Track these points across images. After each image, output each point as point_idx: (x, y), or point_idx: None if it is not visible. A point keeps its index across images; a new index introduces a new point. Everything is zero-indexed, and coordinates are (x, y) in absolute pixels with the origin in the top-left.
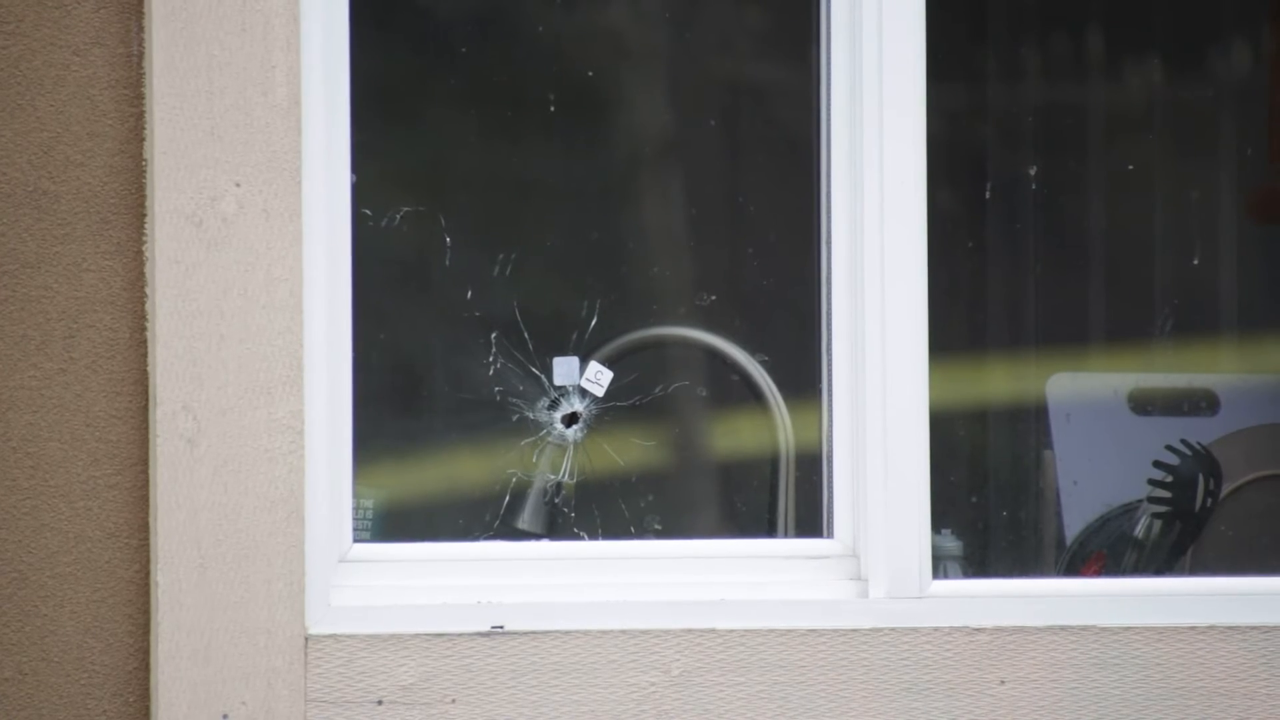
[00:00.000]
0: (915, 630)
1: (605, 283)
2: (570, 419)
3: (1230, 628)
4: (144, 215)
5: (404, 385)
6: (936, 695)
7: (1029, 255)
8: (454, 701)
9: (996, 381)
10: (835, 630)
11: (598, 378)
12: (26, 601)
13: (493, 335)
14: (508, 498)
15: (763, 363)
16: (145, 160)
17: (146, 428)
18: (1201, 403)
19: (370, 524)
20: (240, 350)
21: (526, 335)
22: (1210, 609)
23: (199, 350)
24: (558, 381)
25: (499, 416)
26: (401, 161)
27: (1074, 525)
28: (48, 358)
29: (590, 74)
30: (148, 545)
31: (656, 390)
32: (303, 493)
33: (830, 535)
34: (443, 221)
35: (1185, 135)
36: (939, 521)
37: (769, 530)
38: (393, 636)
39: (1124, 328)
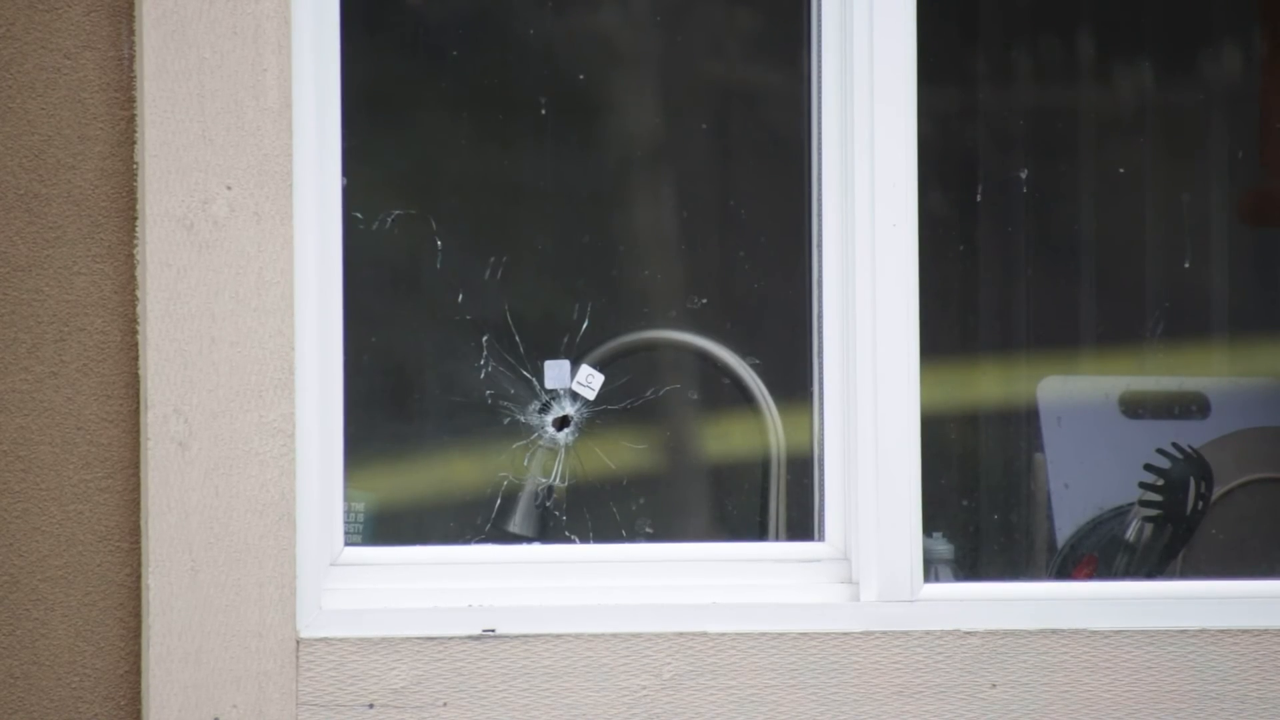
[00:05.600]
0: (906, 633)
1: (596, 286)
2: (561, 422)
3: (1221, 631)
4: (135, 218)
5: (395, 388)
6: (928, 698)
7: (1020, 258)
8: (445, 705)
9: (988, 384)
10: (826, 633)
11: (589, 381)
12: (17, 605)
13: (484, 338)
14: (499, 501)
15: (754, 366)
16: (136, 163)
17: (138, 431)
18: (1192, 406)
19: (361, 527)
20: (231, 353)
21: (518, 338)
22: (1201, 612)
23: (190, 353)
24: (549, 385)
25: (490, 420)
26: (393, 165)
27: (1065, 528)
28: (39, 361)
29: (581, 77)
30: (139, 549)
31: (648, 394)
32: (294, 496)
33: (821, 538)
34: (434, 224)
35: (1176, 138)
36: (930, 525)
37: (760, 533)
38: (384, 640)
39: (1115, 331)
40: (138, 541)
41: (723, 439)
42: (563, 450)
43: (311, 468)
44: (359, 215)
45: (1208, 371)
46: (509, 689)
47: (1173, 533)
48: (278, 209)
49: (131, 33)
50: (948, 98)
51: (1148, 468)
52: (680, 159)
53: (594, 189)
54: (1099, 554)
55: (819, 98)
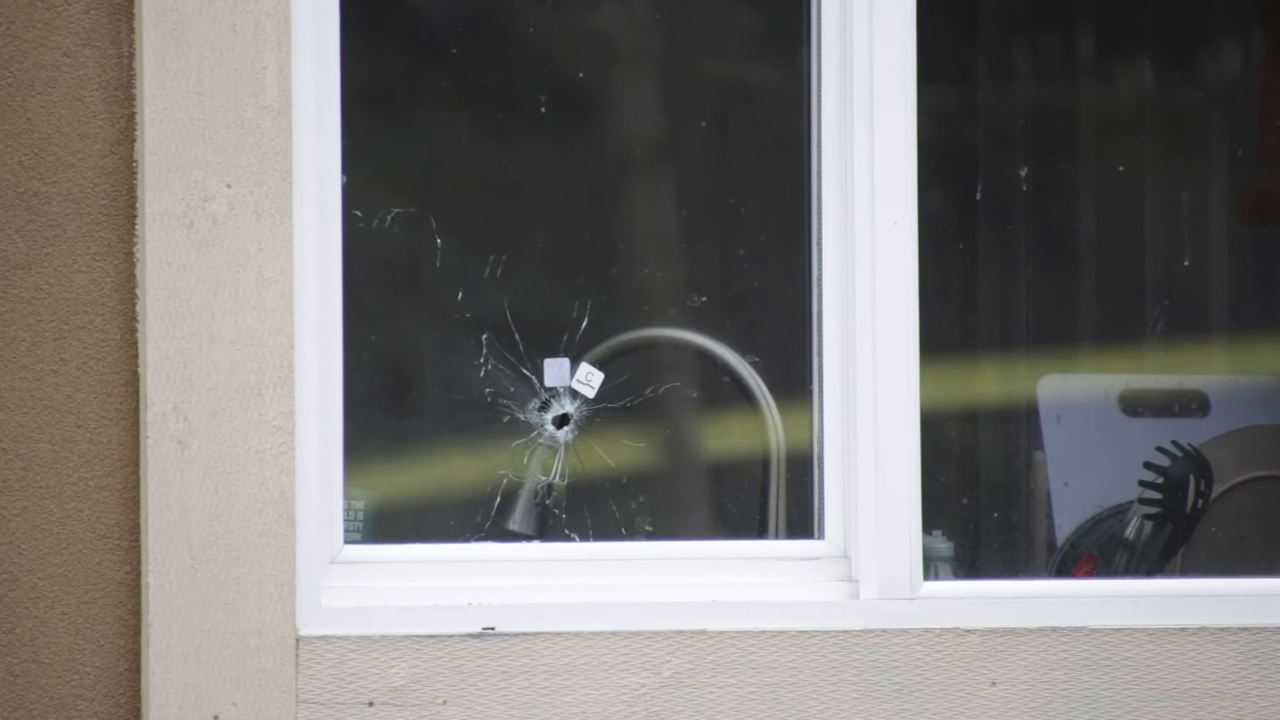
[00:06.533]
0: (906, 631)
1: (596, 284)
2: (561, 420)
3: (1221, 629)
4: (135, 216)
5: (395, 386)
6: (927, 697)
7: (1019, 256)
8: (445, 703)
9: (987, 383)
10: (826, 631)
11: (588, 379)
12: (17, 603)
13: (483, 337)
14: (499, 499)
15: (753, 364)
16: (136, 161)
17: (137, 429)
18: (1192, 404)
19: (361, 525)
20: (231, 351)
21: (517, 337)
22: (1201, 610)
23: (190, 351)
24: (548, 383)
25: (490, 418)
26: (392, 163)
27: (1065, 526)
28: (38, 359)
29: (581, 75)
30: (138, 546)
31: (648, 391)
32: (294, 494)
33: (821, 536)
34: (433, 223)
35: (1175, 137)
36: (930, 523)
37: (760, 531)
38: (384, 638)
39: (1114, 329)
40: (137, 539)
41: (722, 437)
42: (562, 448)
43: (311, 466)
44: (359, 213)
45: (1207, 369)
46: (509, 687)
47: (1172, 531)
48: (277, 207)
49: (131, 30)
50: (947, 96)
51: (1147, 466)
52: (680, 157)
53: (594, 187)
54: (1099, 552)
55: (819, 96)
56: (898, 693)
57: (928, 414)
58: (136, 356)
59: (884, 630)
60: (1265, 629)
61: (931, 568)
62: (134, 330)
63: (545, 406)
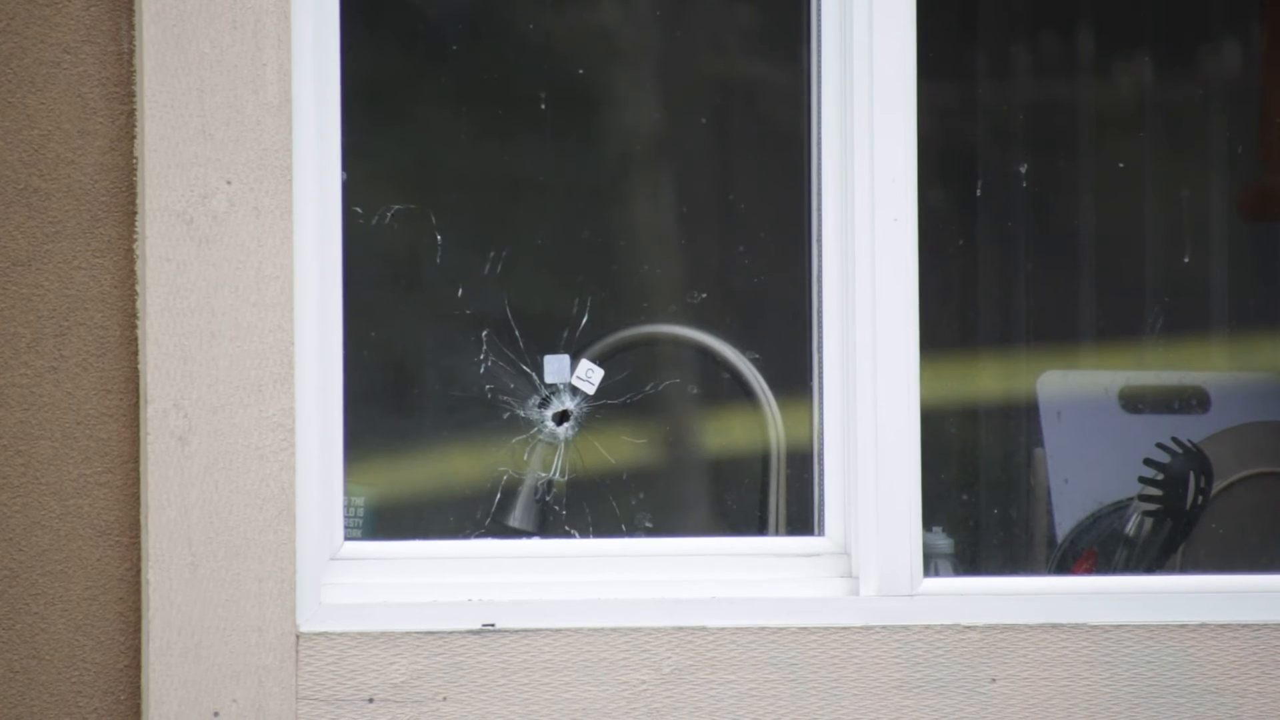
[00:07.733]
0: (906, 628)
1: (596, 281)
2: (561, 417)
3: (1221, 625)
4: (135, 213)
5: (395, 383)
6: (927, 693)
7: (1020, 253)
8: (445, 699)
9: (987, 379)
10: (826, 628)
11: (589, 375)
12: (17, 599)
13: (483, 333)
14: (499, 495)
15: (754, 360)
16: (136, 158)
17: (137, 425)
18: (1192, 400)
19: (361, 522)
20: (231, 348)
21: (517, 333)
22: (1201, 607)
23: (190, 348)
24: (549, 379)
25: (490, 414)
26: (392, 159)
27: (1065, 523)
28: (38, 355)
29: (581, 72)
30: (138, 543)
31: (648, 388)
32: (294, 490)
33: (821, 533)
34: (433, 219)
35: (1175, 133)
36: (930, 519)
37: (760, 528)
38: (384, 634)
39: (1115, 325)
40: (137, 536)
41: (722, 434)
42: (562, 445)
43: (311, 462)
44: (359, 210)
45: (1207, 366)
46: (509, 683)
47: (1172, 527)
48: (277, 204)
49: (131, 27)
50: (947, 92)
51: (1147, 462)
52: (680, 154)
53: (594, 183)
54: (1098, 549)
55: (819, 92)
56: (898, 689)
57: (928, 410)
58: (136, 353)
59: (884, 627)
60: (1265, 625)
61: (931, 564)
62: (134, 327)
63: (545, 403)
